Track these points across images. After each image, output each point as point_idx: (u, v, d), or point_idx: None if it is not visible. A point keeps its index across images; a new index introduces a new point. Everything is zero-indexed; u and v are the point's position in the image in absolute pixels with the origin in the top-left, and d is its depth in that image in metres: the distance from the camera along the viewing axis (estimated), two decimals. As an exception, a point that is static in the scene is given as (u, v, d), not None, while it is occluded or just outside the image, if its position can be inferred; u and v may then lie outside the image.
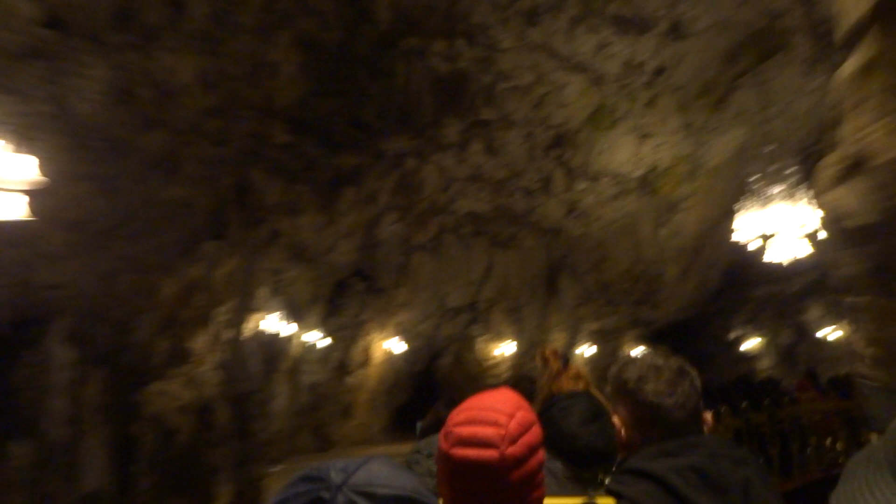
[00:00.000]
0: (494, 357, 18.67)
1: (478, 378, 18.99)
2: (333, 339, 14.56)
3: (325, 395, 15.55)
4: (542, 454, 1.13)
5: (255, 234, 8.75)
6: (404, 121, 9.00)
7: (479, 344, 18.43)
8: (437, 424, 1.43)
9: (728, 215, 20.24)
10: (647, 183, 15.31)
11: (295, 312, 11.82)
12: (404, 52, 8.58)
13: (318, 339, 13.69)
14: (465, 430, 1.07)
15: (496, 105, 11.77)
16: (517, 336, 19.32)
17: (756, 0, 11.43)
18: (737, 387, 7.04)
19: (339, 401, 16.06)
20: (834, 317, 20.10)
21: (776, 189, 11.98)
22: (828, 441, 5.38)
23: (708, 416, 1.35)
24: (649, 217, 16.63)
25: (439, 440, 1.11)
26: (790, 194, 11.66)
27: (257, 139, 7.23)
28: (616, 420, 1.35)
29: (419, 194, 12.46)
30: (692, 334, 30.37)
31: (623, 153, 14.03)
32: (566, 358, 2.53)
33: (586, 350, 22.10)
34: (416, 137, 10.04)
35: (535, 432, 1.14)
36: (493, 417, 1.08)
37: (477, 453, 1.04)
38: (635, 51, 11.66)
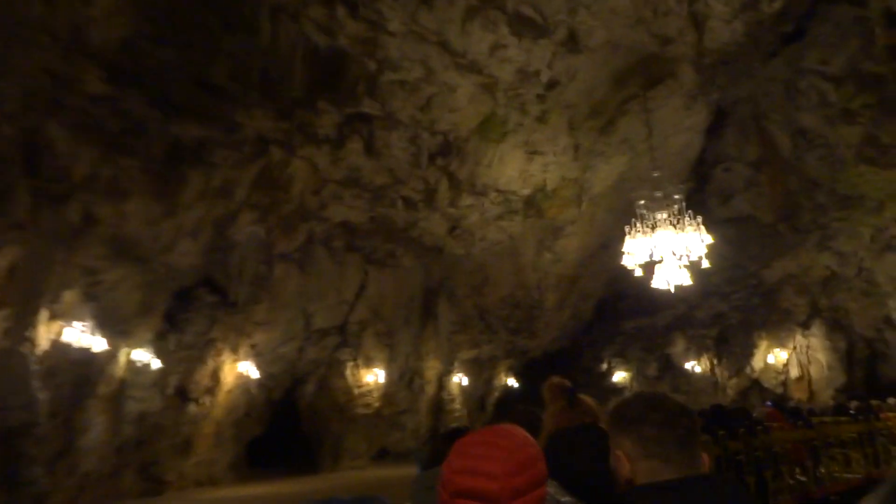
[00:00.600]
0: (364, 384, 17.05)
1: (345, 408, 17.24)
2: (171, 359, 12.25)
3: (159, 426, 13.04)
4: (543, 490, 1.16)
5: (56, 216, 6.68)
6: (268, 92, 7.44)
7: (348, 370, 16.74)
8: (438, 457, 1.65)
9: (606, 246, 20.48)
10: (534, 204, 14.74)
11: (118, 325, 9.57)
12: (272, 9, 7.08)
13: (150, 359, 11.37)
14: (470, 462, 1.10)
15: (380, 99, 10.53)
16: (389, 363, 17.88)
17: (649, 21, 11.23)
18: (712, 415, 6.70)
19: (176, 433, 13.58)
20: (696, 351, 20.79)
21: (661, 216, 11.71)
22: (797, 470, 5.28)
23: (705, 456, 1.28)
24: (533, 241, 16.08)
25: (443, 469, 1.14)
26: (674, 222, 11.40)
27: (58, 81, 5.37)
28: (619, 454, 1.27)
29: (286, 193, 10.81)
30: (564, 366, 30.67)
31: (511, 169, 13.32)
32: (572, 392, 2.31)
33: (461, 380, 21.10)
34: (283, 119, 8.48)
35: (540, 469, 1.16)
36: (497, 452, 1.11)
37: (479, 483, 1.07)
38: (531, 58, 10.99)
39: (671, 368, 22.08)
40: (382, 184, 12.51)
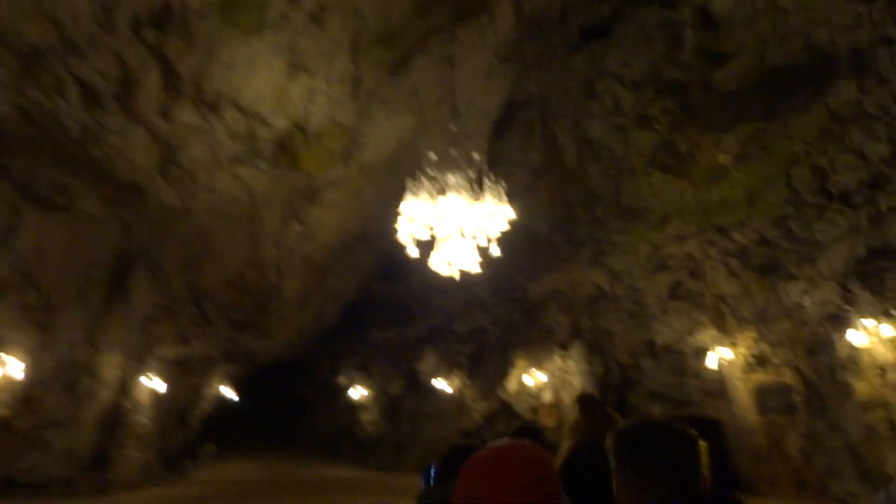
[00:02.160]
0: (-22, 381, 11.02)
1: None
2: None
3: None
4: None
5: None
6: None
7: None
8: (445, 474, 1.74)
9: (366, 238, 17.44)
10: (288, 149, 10.90)
11: None
12: None
13: None
14: (478, 493, 1.09)
15: None
16: (38, 351, 12.11)
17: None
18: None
19: None
20: (447, 368, 18.73)
21: (453, 179, 8.80)
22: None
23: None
24: (280, 202, 12.17)
25: (456, 491, 1.13)
26: (471, 189, 8.58)
27: None
28: (619, 480, 1.29)
29: None
30: (297, 377, 26.57)
31: (264, 81, 9.37)
32: (596, 404, 2.49)
33: (157, 385, 15.82)
34: None
35: (551, 488, 1.13)
36: (508, 480, 1.09)
37: (495, 498, 1.07)
38: None
39: (418, 386, 19.69)
40: (39, 42, 7.55)
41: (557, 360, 15.93)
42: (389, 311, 20.88)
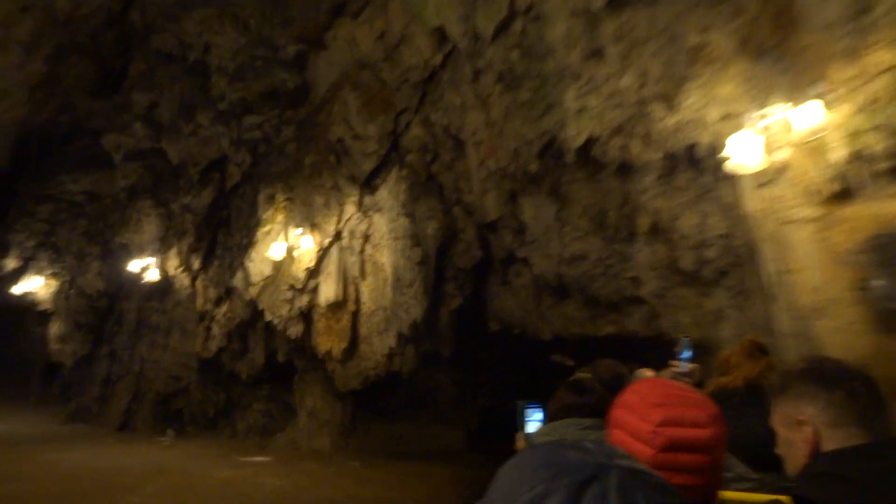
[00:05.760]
0: None
1: None
2: None
3: None
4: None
5: None
6: None
7: None
8: (564, 410, 1.66)
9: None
10: None
11: None
12: None
13: None
14: (676, 411, 1.06)
15: None
16: None
17: None
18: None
19: None
20: (172, 238, 9.94)
21: None
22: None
23: None
24: None
25: (636, 423, 1.07)
26: None
27: None
28: (802, 419, 1.21)
29: None
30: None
31: None
32: (766, 352, 2.28)
33: None
34: None
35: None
36: (696, 400, 1.10)
37: (690, 433, 1.04)
38: None
39: (133, 277, 10.80)
40: None
41: (351, 214, 7.67)
42: (99, 147, 11.60)
